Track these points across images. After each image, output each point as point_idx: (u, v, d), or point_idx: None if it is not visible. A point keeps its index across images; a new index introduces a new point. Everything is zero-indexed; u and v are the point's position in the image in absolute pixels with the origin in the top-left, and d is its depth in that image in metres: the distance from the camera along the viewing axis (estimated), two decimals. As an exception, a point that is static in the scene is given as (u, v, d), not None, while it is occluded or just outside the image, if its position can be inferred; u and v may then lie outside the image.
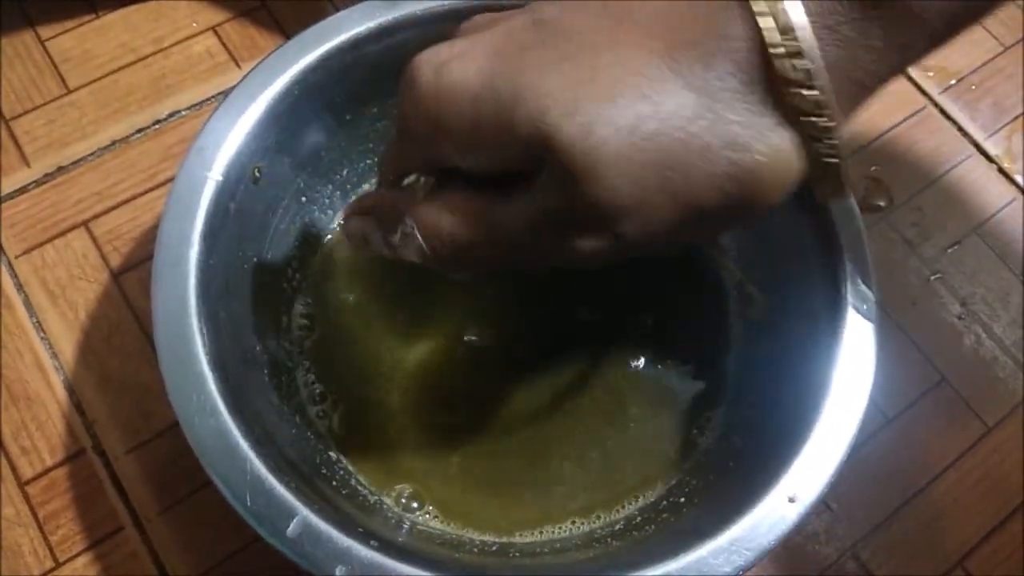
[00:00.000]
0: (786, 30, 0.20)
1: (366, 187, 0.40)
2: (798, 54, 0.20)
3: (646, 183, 0.21)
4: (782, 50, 0.20)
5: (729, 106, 0.21)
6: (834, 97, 0.21)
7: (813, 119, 0.21)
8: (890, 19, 0.21)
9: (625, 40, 0.22)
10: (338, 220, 0.40)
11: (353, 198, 0.40)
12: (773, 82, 0.21)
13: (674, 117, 0.21)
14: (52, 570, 0.36)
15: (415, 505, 0.34)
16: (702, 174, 0.21)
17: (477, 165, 0.23)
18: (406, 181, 0.26)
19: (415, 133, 0.24)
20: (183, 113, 0.46)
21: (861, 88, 0.22)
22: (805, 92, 0.21)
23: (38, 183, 0.44)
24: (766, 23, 0.20)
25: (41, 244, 0.43)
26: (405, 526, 0.33)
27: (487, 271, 0.28)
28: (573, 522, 0.34)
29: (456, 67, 0.22)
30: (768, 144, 0.21)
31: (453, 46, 0.23)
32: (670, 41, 0.21)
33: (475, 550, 0.33)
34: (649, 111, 0.21)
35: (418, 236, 0.24)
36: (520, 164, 0.22)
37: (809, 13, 0.20)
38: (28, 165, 0.44)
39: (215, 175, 0.32)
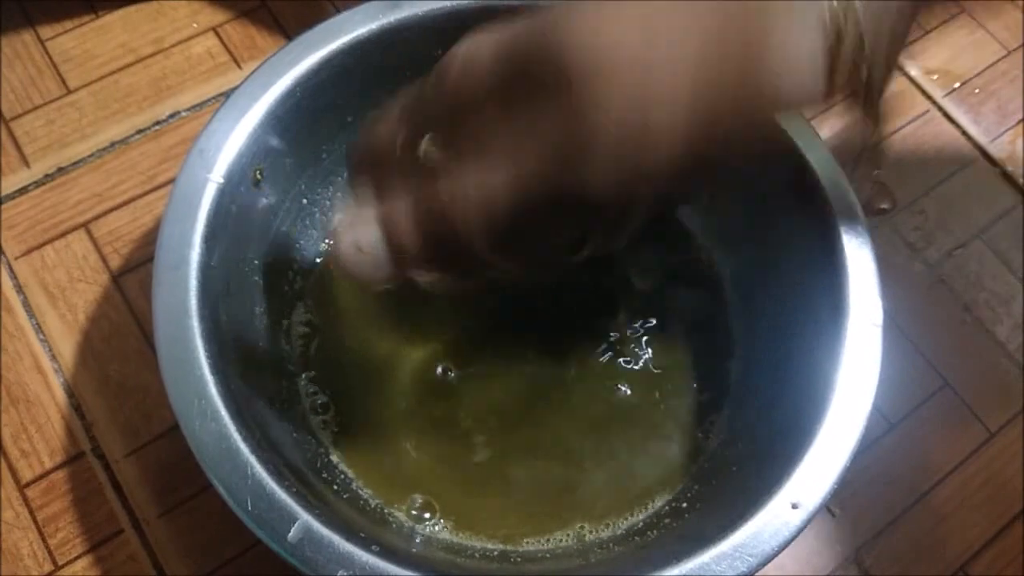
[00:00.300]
0: None
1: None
2: None
3: (658, 82, 0.21)
4: None
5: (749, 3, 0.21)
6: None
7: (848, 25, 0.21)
8: None
9: None
10: (336, 220, 0.39)
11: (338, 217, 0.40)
12: None
13: (690, 8, 0.21)
14: (51, 573, 0.36)
15: (418, 513, 0.34)
16: (716, 71, 0.21)
17: (497, 121, 0.23)
18: (421, 147, 0.25)
19: (441, 108, 0.24)
20: (183, 114, 0.46)
21: None
22: None
23: (38, 184, 0.44)
24: None
25: (41, 245, 0.42)
26: (408, 532, 0.33)
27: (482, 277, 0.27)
28: (581, 527, 0.34)
29: (481, 38, 0.23)
30: (793, 38, 0.21)
31: (490, 28, 0.24)
32: None
33: (476, 555, 0.33)
34: (664, 6, 0.21)
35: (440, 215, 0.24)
36: (536, 95, 0.22)
37: None
38: (28, 166, 0.44)
39: (216, 177, 0.32)
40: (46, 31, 0.48)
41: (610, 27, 0.21)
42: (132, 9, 0.49)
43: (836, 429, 0.29)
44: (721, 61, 0.21)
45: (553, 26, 0.21)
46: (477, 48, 0.23)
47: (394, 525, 0.33)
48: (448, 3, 0.35)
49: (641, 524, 0.34)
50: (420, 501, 0.34)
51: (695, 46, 0.21)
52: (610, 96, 0.21)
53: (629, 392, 0.37)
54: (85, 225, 0.43)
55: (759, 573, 0.28)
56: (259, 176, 0.34)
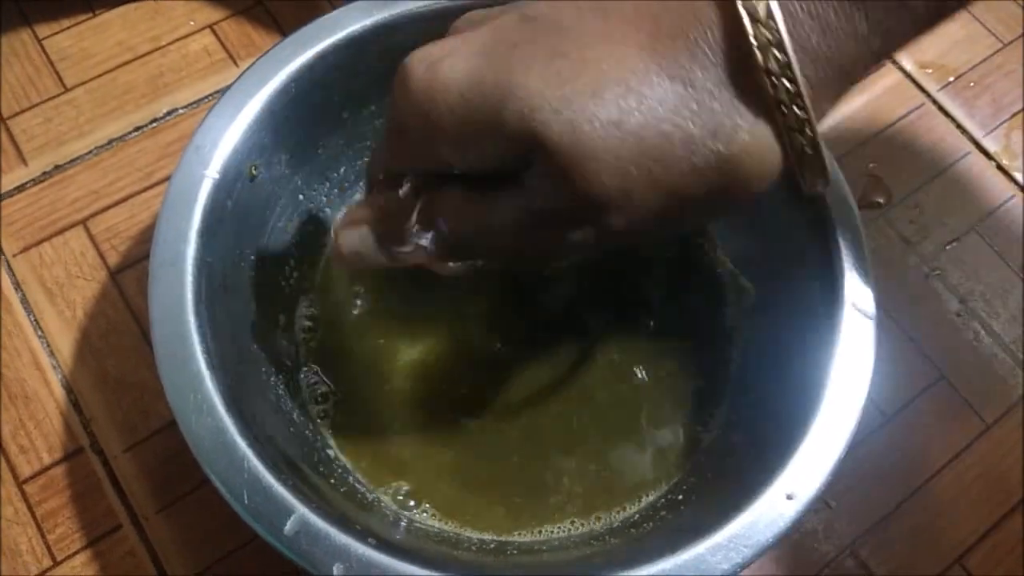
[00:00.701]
0: (764, 20, 0.20)
1: (364, 185, 0.40)
2: (777, 44, 0.21)
3: (631, 175, 0.21)
4: (760, 40, 0.21)
5: (711, 96, 0.21)
6: (811, 88, 0.21)
7: (791, 109, 0.21)
8: (874, 5, 0.21)
9: (611, 34, 0.22)
10: (336, 220, 0.40)
11: (343, 211, 0.40)
12: (752, 72, 0.21)
13: (658, 109, 0.21)
14: (50, 568, 0.36)
15: (413, 503, 0.34)
16: (685, 164, 0.21)
17: (467, 163, 0.24)
18: (402, 192, 0.26)
19: (407, 131, 0.24)
20: (181, 111, 0.46)
21: (845, 75, 0.22)
22: (783, 82, 0.21)
23: (36, 181, 0.44)
24: (745, 13, 0.21)
25: (39, 242, 0.43)
26: (403, 524, 0.33)
27: (487, 267, 0.29)
28: (572, 521, 0.34)
29: (447, 65, 0.23)
30: (750, 133, 0.21)
31: (444, 44, 0.23)
32: (654, 33, 0.21)
33: (473, 548, 0.33)
34: (634, 104, 0.21)
35: (424, 236, 0.25)
36: (509, 161, 0.23)
37: (793, 0, 0.21)
38: (25, 164, 0.44)
39: (212, 173, 0.32)
40: (43, 29, 0.48)
41: (587, 117, 0.21)
42: (129, 7, 0.49)
43: (831, 421, 0.29)
44: (696, 168, 0.22)
45: (526, 101, 0.21)
46: (446, 76, 0.22)
47: (390, 518, 0.33)
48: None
49: (637, 516, 0.34)
50: (417, 493, 0.34)
51: (671, 135, 0.21)
52: (588, 185, 0.21)
53: (625, 385, 0.37)
54: (83, 222, 0.43)
55: (754, 564, 0.28)
56: (255, 172, 0.34)
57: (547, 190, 0.22)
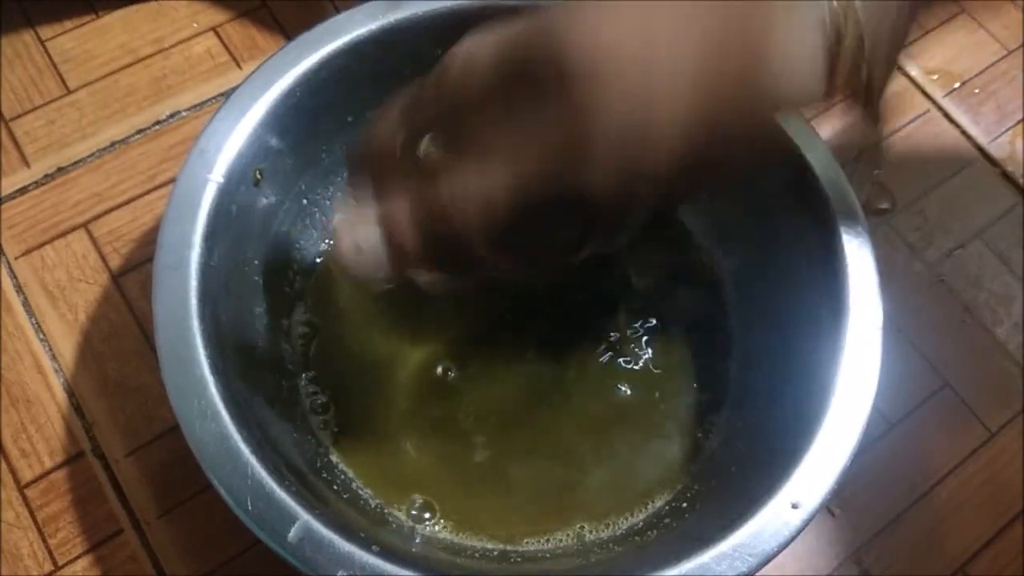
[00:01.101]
0: None
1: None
2: None
3: (659, 83, 0.21)
4: None
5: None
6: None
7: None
8: None
9: None
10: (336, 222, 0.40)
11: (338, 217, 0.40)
12: None
13: (691, 9, 0.21)
14: (51, 573, 0.36)
15: (417, 512, 0.34)
16: (716, 71, 0.21)
17: (498, 122, 0.23)
18: (421, 148, 0.25)
19: (442, 107, 0.24)
20: (184, 114, 0.46)
21: None
22: None
23: (38, 184, 0.44)
24: None
25: (41, 245, 0.42)
26: (407, 532, 0.33)
27: (498, 266, 0.27)
28: (581, 527, 0.34)
29: (484, 39, 0.23)
30: (793, 38, 0.21)
31: (491, 28, 0.23)
32: None
33: (476, 555, 0.33)
34: (664, 7, 0.21)
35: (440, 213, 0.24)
36: (537, 96, 0.22)
37: None
38: (28, 166, 0.44)
39: (216, 177, 0.32)
40: (46, 31, 0.48)
41: (610, 27, 0.21)
42: (132, 9, 0.49)
43: (836, 429, 0.29)
44: (721, 61, 0.21)
45: (553, 27, 0.21)
46: (478, 47, 0.23)
47: (394, 525, 0.33)
48: (448, 3, 0.35)
49: (641, 524, 0.34)
50: (420, 501, 0.34)
51: (695, 46, 0.21)
52: (610, 96, 0.21)
53: (629, 392, 0.37)
54: (85, 225, 0.43)
55: (759, 573, 0.28)
56: (259, 176, 0.34)
57: (570, 107, 0.21)
